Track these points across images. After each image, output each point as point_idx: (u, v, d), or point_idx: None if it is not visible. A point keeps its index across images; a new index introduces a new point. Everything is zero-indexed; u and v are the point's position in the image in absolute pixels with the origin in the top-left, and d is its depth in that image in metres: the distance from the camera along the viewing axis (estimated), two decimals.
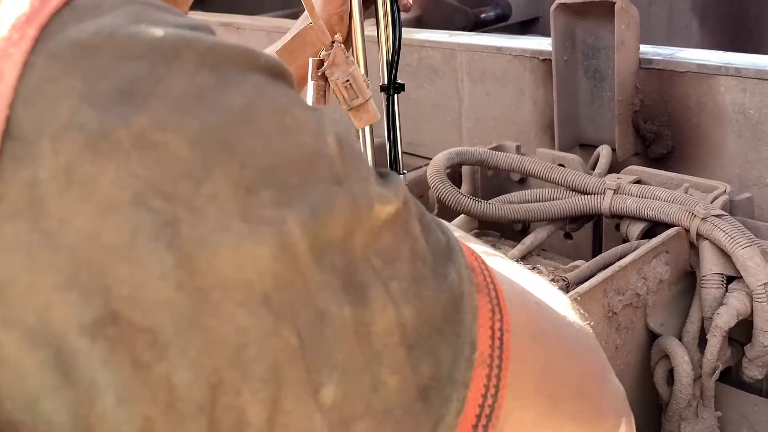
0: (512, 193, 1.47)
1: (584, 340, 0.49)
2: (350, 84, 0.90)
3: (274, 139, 0.33)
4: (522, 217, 1.39)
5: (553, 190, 1.44)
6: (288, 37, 1.00)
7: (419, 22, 2.84)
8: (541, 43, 1.85)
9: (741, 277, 1.15)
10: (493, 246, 1.43)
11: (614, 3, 1.54)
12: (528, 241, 1.38)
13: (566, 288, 1.21)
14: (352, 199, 0.34)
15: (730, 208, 1.34)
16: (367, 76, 1.08)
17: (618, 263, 1.14)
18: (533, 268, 1.31)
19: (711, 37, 2.75)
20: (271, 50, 1.04)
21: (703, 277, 1.19)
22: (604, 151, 1.59)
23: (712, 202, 1.31)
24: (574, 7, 1.64)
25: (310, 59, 0.92)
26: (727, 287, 1.17)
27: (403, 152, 2.15)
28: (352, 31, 1.06)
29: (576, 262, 1.30)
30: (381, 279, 0.34)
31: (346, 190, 0.33)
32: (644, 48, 1.65)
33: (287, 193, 0.31)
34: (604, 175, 1.51)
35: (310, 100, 0.95)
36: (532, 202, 1.44)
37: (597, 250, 1.52)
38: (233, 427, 0.30)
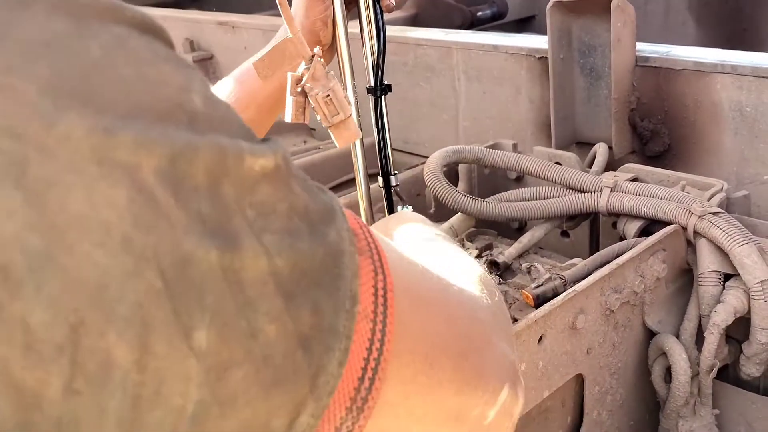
0: (509, 191, 1.46)
1: (470, 307, 0.52)
2: (330, 99, 0.89)
3: (134, 88, 0.33)
4: (519, 216, 1.39)
5: (549, 188, 1.44)
6: (266, 49, 1.00)
7: (415, 21, 2.83)
8: (538, 41, 1.84)
9: (738, 274, 1.15)
10: (491, 244, 1.43)
11: (610, 1, 1.53)
12: (525, 239, 1.38)
13: (563, 286, 1.21)
14: (219, 148, 0.34)
15: (727, 206, 1.34)
16: (353, 78, 1.08)
17: (615, 261, 1.13)
18: (523, 265, 1.31)
19: (707, 35, 2.75)
20: (249, 62, 1.03)
21: (701, 275, 1.19)
22: (600, 149, 1.59)
23: (709, 200, 1.31)
24: (570, 5, 1.64)
25: (289, 74, 0.92)
26: (724, 285, 1.17)
27: (399, 150, 2.16)
28: (336, 35, 1.06)
29: (573, 260, 1.30)
30: (254, 229, 0.35)
31: (210, 140, 0.34)
32: (640, 46, 1.65)
33: (145, 139, 0.32)
34: (601, 173, 1.51)
35: (288, 115, 0.94)
36: (529, 200, 1.43)
37: (594, 247, 1.52)
38: (99, 368, 0.30)
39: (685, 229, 1.23)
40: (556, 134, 1.74)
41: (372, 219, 1.19)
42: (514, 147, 1.71)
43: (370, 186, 1.16)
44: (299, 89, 0.91)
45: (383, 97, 1.08)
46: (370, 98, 1.08)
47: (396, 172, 1.14)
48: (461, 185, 1.72)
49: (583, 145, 1.78)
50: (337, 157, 1.98)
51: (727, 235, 1.15)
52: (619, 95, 1.60)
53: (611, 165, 1.59)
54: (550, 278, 1.21)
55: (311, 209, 0.39)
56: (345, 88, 1.06)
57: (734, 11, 2.64)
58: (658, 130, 1.62)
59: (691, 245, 1.25)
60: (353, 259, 0.40)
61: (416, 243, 0.71)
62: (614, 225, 1.41)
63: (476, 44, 1.95)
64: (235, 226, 0.34)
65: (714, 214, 1.20)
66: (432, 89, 2.11)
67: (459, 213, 1.42)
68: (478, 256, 1.38)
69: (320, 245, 0.38)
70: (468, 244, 1.43)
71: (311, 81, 0.89)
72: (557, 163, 1.60)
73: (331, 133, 0.95)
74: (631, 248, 1.29)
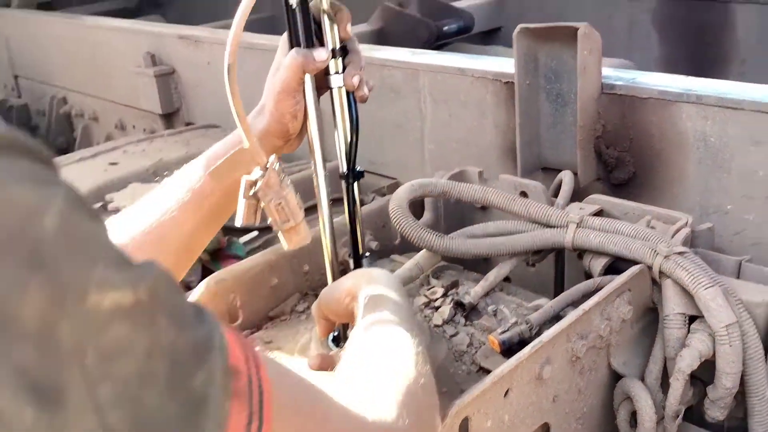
0: (475, 226, 1.44)
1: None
2: (282, 207, 0.91)
3: None
4: (485, 253, 1.37)
5: (516, 221, 1.42)
6: (219, 150, 0.99)
7: (380, 35, 2.80)
8: (504, 65, 1.83)
9: (704, 316, 1.14)
10: (457, 280, 1.41)
11: (577, 29, 1.52)
12: (491, 276, 1.36)
13: (529, 331, 1.19)
14: (56, 285, 0.32)
15: (692, 239, 1.34)
16: (325, 168, 1.07)
17: (581, 307, 1.12)
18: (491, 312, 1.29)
19: (671, 51, 2.76)
20: (204, 172, 1.01)
21: (666, 317, 1.18)
22: (566, 178, 1.57)
23: (673, 236, 1.30)
24: (537, 31, 1.63)
25: (243, 177, 0.91)
26: (689, 327, 1.16)
27: (365, 171, 2.14)
28: (306, 125, 1.05)
29: (539, 301, 1.28)
30: (88, 380, 0.32)
31: (47, 275, 0.32)
32: (606, 72, 1.64)
33: None
34: (567, 204, 1.50)
35: (240, 218, 0.94)
36: (495, 235, 1.41)
37: (560, 279, 1.51)
38: None
39: (650, 268, 1.22)
40: (521, 160, 1.72)
41: (335, 254, 1.17)
42: (480, 175, 1.69)
43: (334, 219, 1.14)
44: (251, 193, 0.90)
45: (356, 183, 1.07)
46: (342, 183, 1.08)
47: (367, 254, 1.15)
48: (427, 214, 1.70)
49: (549, 171, 1.77)
50: (303, 182, 1.95)
51: (692, 277, 1.14)
52: (584, 123, 1.59)
53: (576, 193, 1.58)
54: (516, 323, 1.19)
55: (179, 347, 0.36)
56: (316, 174, 1.08)
57: (698, 27, 2.65)
58: (624, 158, 1.61)
59: (656, 284, 1.24)
60: (221, 407, 0.37)
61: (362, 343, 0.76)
62: (580, 255, 1.39)
63: (442, 66, 1.92)
64: (64, 377, 0.31)
65: (680, 254, 1.19)
66: (398, 111, 2.09)
67: (424, 250, 1.39)
68: (444, 295, 1.36)
69: (177, 393, 0.35)
70: (434, 281, 1.40)
71: (265, 188, 0.89)
72: (523, 192, 1.58)
73: (280, 235, 0.95)
74: (596, 287, 1.28)
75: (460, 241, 1.37)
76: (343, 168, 1.12)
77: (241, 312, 1.42)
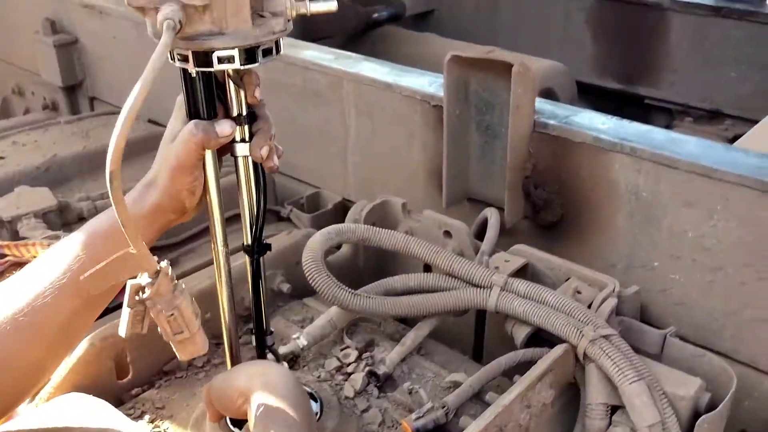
0: (395, 278, 1.34)
1: None
2: (175, 318, 0.77)
3: None
4: (404, 313, 1.28)
5: (436, 276, 1.33)
6: (100, 228, 0.87)
7: (305, 18, 2.62)
8: (434, 84, 1.71)
9: (625, 406, 1.09)
10: (372, 339, 1.31)
11: (511, 66, 1.41)
12: (408, 340, 1.27)
13: (445, 416, 1.11)
14: None
15: (618, 304, 1.28)
16: (225, 241, 0.95)
17: (501, 401, 1.04)
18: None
19: (603, 50, 2.70)
20: (82, 251, 0.87)
21: (588, 405, 1.12)
22: (492, 220, 1.49)
23: (600, 305, 1.24)
24: (470, 61, 1.51)
25: (129, 282, 0.77)
26: (611, 417, 1.11)
27: (286, 175, 2.01)
28: (208, 199, 0.92)
29: (457, 376, 1.20)
30: None
31: None
32: (540, 106, 1.55)
33: None
34: (491, 251, 1.42)
35: (123, 328, 0.80)
36: (415, 290, 1.32)
37: (479, 334, 1.44)
38: None
39: (574, 347, 1.16)
40: (447, 190, 1.63)
41: (236, 332, 1.06)
42: (404, 207, 1.59)
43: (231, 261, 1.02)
44: (138, 299, 0.77)
45: (261, 258, 0.97)
46: (246, 258, 0.96)
47: (272, 330, 1.03)
48: (345, 248, 1.59)
49: (475, 202, 1.68)
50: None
51: (618, 369, 1.08)
52: (514, 164, 1.50)
53: (502, 231, 1.50)
54: (432, 408, 1.11)
55: None
56: (215, 250, 0.96)
57: (632, 31, 2.59)
58: (552, 200, 1.54)
59: (578, 362, 1.18)
60: None
61: None
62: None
63: (368, 78, 1.79)
64: None
65: (605, 337, 1.13)
66: (321, 116, 1.95)
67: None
68: (358, 358, 1.26)
69: None
70: (347, 340, 1.30)
71: (154, 297, 0.76)
72: (446, 232, 1.50)
73: (173, 345, 0.82)
74: (518, 361, 1.22)
75: (378, 301, 1.27)
76: (248, 240, 1.00)
77: (132, 368, 1.29)
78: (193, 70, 0.84)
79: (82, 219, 1.79)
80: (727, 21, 2.31)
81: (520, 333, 1.25)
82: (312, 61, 1.90)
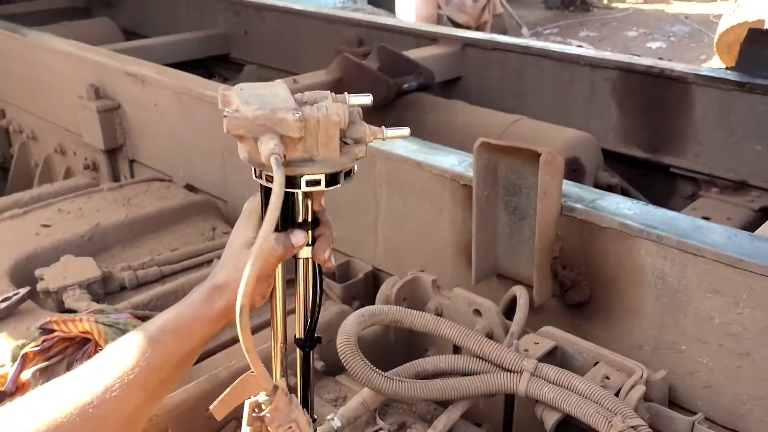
0: (426, 360, 1.39)
1: None
2: (293, 430, 0.84)
3: None
4: (435, 397, 1.32)
5: (467, 359, 1.37)
6: (169, 351, 0.93)
7: (338, 85, 2.72)
8: (463, 163, 1.77)
9: None
10: (404, 422, 1.35)
11: (539, 154, 1.47)
12: (440, 424, 1.30)
13: None
14: None
15: (646, 390, 1.31)
16: (285, 339, 1.00)
17: None
18: None
19: (628, 121, 2.75)
20: (164, 317, 0.95)
21: None
22: (521, 301, 1.53)
23: (629, 391, 1.27)
24: (499, 147, 1.57)
25: (246, 403, 0.84)
26: None
27: None
28: (272, 302, 0.99)
29: None
30: None
31: None
32: (567, 188, 1.60)
33: None
34: (520, 332, 1.46)
35: None
36: (446, 372, 1.36)
37: (509, 415, 1.47)
38: None
39: None
40: (476, 267, 1.67)
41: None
42: (434, 283, 1.64)
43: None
44: (255, 416, 0.83)
45: (312, 351, 1.02)
46: (297, 351, 1.02)
47: (315, 417, 1.07)
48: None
49: (503, 279, 1.72)
50: None
51: None
52: (542, 246, 1.54)
53: (530, 309, 1.54)
54: None
55: None
56: (275, 353, 1.01)
57: (656, 100, 2.64)
58: (580, 281, 1.58)
59: None
60: None
61: None
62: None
63: (400, 157, 1.86)
64: None
65: (634, 428, 1.15)
66: (354, 190, 2.01)
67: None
68: None
69: None
70: (380, 422, 1.34)
71: (273, 413, 0.82)
72: (476, 311, 1.54)
73: None
74: None
75: (409, 385, 1.31)
76: (301, 334, 1.04)
77: None
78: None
79: (123, 288, 1.86)
80: (751, 96, 2.36)
81: (550, 418, 1.28)
82: None
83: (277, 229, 0.94)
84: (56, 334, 1.48)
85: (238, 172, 2.34)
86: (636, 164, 2.74)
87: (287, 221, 0.95)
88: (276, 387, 0.84)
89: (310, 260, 0.99)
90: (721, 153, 2.50)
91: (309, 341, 1.02)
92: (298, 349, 1.04)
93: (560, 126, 2.65)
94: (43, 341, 1.48)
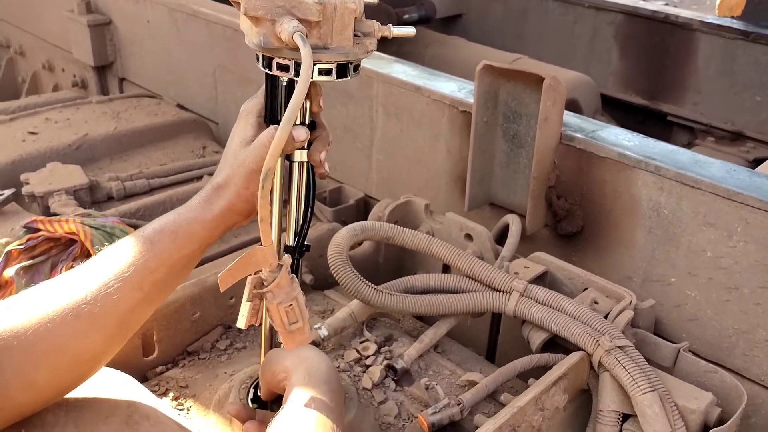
0: (416, 276, 1.38)
1: None
2: (293, 308, 0.85)
3: None
4: (424, 311, 1.31)
5: (457, 278, 1.36)
6: (166, 227, 0.92)
7: None
8: (463, 90, 1.74)
9: (637, 415, 1.12)
10: (391, 334, 1.35)
11: (543, 79, 1.44)
12: (426, 338, 1.30)
13: (461, 413, 1.15)
14: None
15: (634, 317, 1.31)
16: (279, 237, 0.99)
17: (516, 402, 1.07)
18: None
19: (628, 66, 2.72)
20: (164, 220, 0.94)
21: (600, 412, 1.15)
22: (513, 228, 1.52)
23: (617, 316, 1.27)
24: (501, 71, 1.54)
25: (248, 278, 0.85)
26: (622, 425, 1.14)
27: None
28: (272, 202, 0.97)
29: (473, 375, 1.23)
30: None
31: None
32: (568, 118, 1.58)
33: None
34: (511, 257, 1.45)
35: (243, 321, 0.88)
36: (435, 290, 1.35)
37: (494, 336, 1.47)
38: None
39: (590, 355, 1.19)
40: (470, 194, 1.66)
41: None
42: (426, 208, 1.63)
43: None
44: (255, 292, 0.82)
45: (300, 259, 1.01)
46: (287, 257, 0.98)
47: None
48: (366, 244, 1.62)
49: (495, 208, 1.71)
50: None
51: (631, 379, 1.11)
52: (538, 174, 1.53)
53: (522, 238, 1.53)
54: (448, 404, 1.14)
55: None
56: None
57: (659, 49, 2.61)
58: (574, 211, 1.57)
59: (593, 369, 1.21)
60: None
61: None
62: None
63: (398, 80, 1.82)
64: None
65: (621, 348, 1.16)
66: (348, 114, 1.98)
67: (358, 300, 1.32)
68: (377, 352, 1.30)
69: None
70: (367, 333, 1.34)
71: (275, 290, 0.84)
72: (468, 235, 1.53)
73: (281, 336, 0.87)
74: (533, 365, 1.25)
75: (399, 298, 1.30)
76: (291, 241, 1.03)
77: (158, 346, 1.33)
78: (285, 78, 0.88)
79: (110, 198, 1.83)
80: (755, 45, 2.33)
81: (537, 338, 1.28)
82: None
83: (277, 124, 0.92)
84: (41, 233, 1.45)
85: (229, 92, 2.30)
86: (633, 111, 2.72)
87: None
88: (281, 264, 0.84)
89: (305, 164, 0.98)
90: (720, 103, 2.48)
91: (300, 248, 1.01)
92: (287, 256, 1.03)
93: (560, 67, 2.62)
94: (28, 240, 1.45)
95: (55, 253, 1.46)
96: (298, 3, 0.83)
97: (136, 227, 1.57)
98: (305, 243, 1.01)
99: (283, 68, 0.87)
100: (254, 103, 0.98)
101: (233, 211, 0.93)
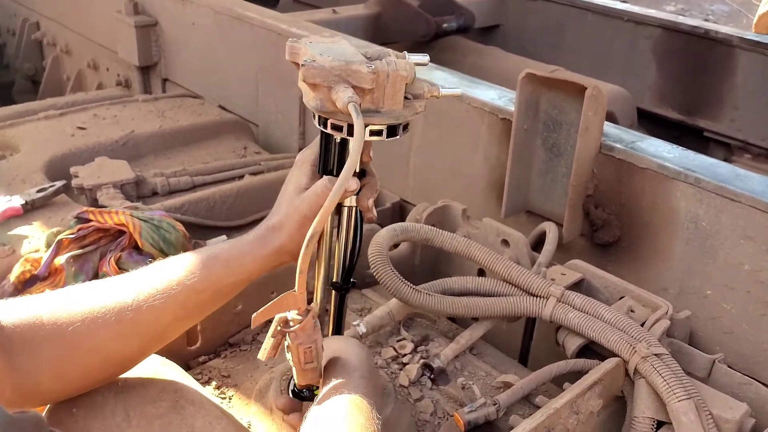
0: (454, 279, 1.40)
1: None
2: (311, 350, 0.91)
3: None
4: (461, 313, 1.33)
5: (495, 282, 1.38)
6: (216, 277, 0.97)
7: (377, 22, 2.69)
8: (503, 98, 1.76)
9: (671, 423, 1.13)
10: (428, 334, 1.37)
11: (585, 88, 1.47)
12: (463, 339, 1.32)
13: (496, 413, 1.17)
14: None
15: (670, 327, 1.32)
16: (327, 279, 1.07)
17: (552, 404, 1.09)
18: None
19: (666, 82, 2.73)
20: (218, 248, 1.00)
21: (634, 419, 1.17)
22: (550, 236, 1.54)
23: (653, 325, 1.28)
24: (543, 79, 1.57)
25: (276, 317, 0.91)
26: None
27: None
28: (322, 242, 1.04)
29: (509, 377, 1.25)
30: None
31: None
32: (607, 129, 1.60)
33: None
34: (548, 264, 1.47)
35: (264, 354, 0.94)
36: (472, 293, 1.38)
37: (527, 341, 1.49)
38: None
39: (626, 362, 1.20)
40: (507, 201, 1.68)
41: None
42: (464, 213, 1.65)
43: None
44: (279, 329, 0.91)
45: (346, 294, 1.08)
46: (333, 293, 1.08)
47: None
48: (403, 245, 1.65)
49: (532, 215, 1.73)
50: (264, 189, 1.87)
51: (667, 386, 1.12)
52: (577, 183, 1.54)
53: (558, 246, 1.55)
54: (484, 404, 1.16)
55: None
56: (317, 289, 1.09)
57: (697, 61, 2.61)
58: (611, 221, 1.58)
59: (628, 376, 1.23)
60: None
61: None
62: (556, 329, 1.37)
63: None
64: None
65: (657, 355, 1.17)
66: None
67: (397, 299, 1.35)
68: (414, 350, 1.33)
69: None
70: (404, 332, 1.37)
71: (299, 331, 0.89)
72: (504, 240, 1.55)
73: (295, 371, 0.95)
74: (568, 370, 1.27)
75: (437, 299, 1.32)
76: (338, 279, 1.08)
77: (201, 336, 1.37)
78: (339, 137, 0.94)
79: (155, 193, 1.89)
80: None
81: (572, 344, 1.29)
82: None
83: (329, 175, 1.00)
84: (92, 224, 1.50)
85: (270, 95, 2.34)
86: (669, 126, 2.72)
87: (338, 169, 0.99)
88: (309, 310, 0.91)
89: (354, 208, 1.04)
90: (758, 119, 2.47)
91: (345, 284, 1.07)
92: (333, 292, 1.08)
93: (597, 80, 2.63)
94: (79, 230, 1.50)
95: (104, 244, 1.51)
96: (353, 72, 0.89)
97: (181, 222, 1.62)
98: (351, 280, 1.05)
99: (337, 128, 0.94)
100: (309, 152, 1.04)
101: (284, 251, 0.99)
